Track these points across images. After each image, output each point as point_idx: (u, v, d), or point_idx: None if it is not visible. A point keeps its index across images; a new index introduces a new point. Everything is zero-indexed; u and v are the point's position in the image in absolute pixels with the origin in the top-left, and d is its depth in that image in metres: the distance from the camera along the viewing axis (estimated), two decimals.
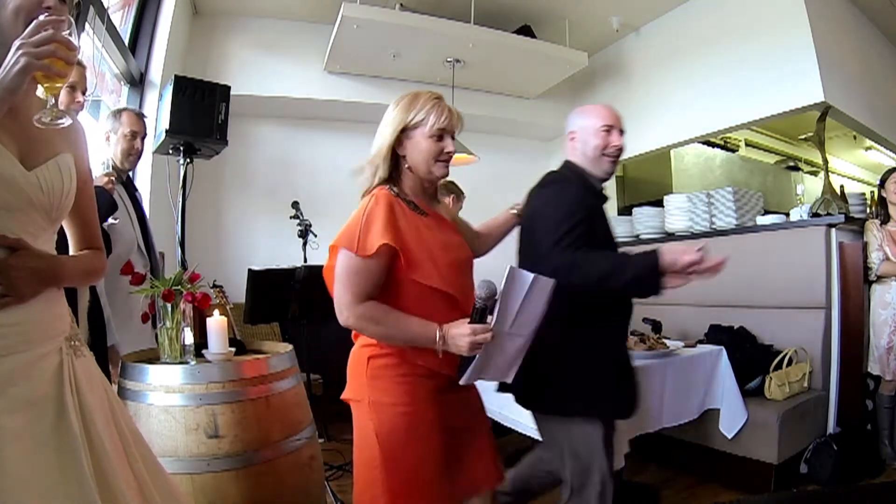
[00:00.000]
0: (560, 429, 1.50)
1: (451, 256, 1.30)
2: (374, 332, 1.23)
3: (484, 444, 1.37)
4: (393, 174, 1.30)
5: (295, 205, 3.04)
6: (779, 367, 2.52)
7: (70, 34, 0.83)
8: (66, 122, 0.86)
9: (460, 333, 1.15)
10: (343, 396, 1.32)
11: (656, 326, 2.72)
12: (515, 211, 1.60)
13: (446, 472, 1.26)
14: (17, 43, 0.78)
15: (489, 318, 1.17)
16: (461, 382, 1.22)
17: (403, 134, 1.28)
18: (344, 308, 1.20)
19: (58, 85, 0.84)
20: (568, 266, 1.35)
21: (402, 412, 1.23)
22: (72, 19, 0.86)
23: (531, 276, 1.17)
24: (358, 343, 1.31)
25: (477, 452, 1.34)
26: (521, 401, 1.57)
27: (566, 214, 1.43)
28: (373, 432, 1.23)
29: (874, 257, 2.65)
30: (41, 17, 0.81)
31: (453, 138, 1.30)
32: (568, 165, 1.65)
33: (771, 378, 2.47)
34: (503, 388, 1.58)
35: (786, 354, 2.53)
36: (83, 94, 1.71)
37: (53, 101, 0.85)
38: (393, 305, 1.21)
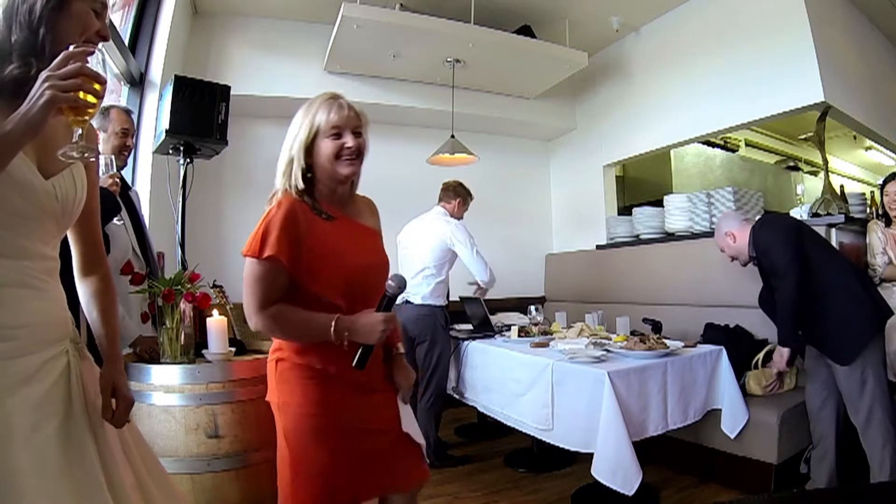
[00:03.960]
0: None
1: (357, 262, 1.27)
2: (282, 334, 1.23)
3: (403, 444, 1.34)
4: (304, 182, 1.27)
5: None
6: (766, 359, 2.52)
7: (100, 65, 0.82)
8: (94, 156, 0.86)
9: (371, 322, 1.17)
10: (266, 398, 1.32)
11: (656, 327, 2.72)
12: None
13: (358, 475, 1.24)
14: (43, 75, 0.76)
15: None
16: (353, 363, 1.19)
17: (312, 143, 1.27)
18: (252, 314, 1.20)
19: (85, 118, 0.82)
20: None
21: (307, 414, 1.22)
22: (102, 50, 0.86)
23: None
24: (270, 349, 1.31)
25: (395, 453, 1.31)
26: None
27: None
28: (282, 433, 1.25)
29: (878, 260, 2.63)
30: (70, 48, 0.79)
31: (355, 134, 1.27)
32: None
33: (748, 375, 2.49)
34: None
35: (769, 349, 2.52)
36: None
37: (80, 132, 0.82)
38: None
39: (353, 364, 1.18)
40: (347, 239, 1.28)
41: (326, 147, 1.25)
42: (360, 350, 1.19)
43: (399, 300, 2.23)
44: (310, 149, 1.27)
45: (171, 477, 1.06)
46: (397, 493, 1.34)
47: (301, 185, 1.26)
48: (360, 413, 1.26)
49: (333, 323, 1.16)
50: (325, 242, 1.23)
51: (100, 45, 0.91)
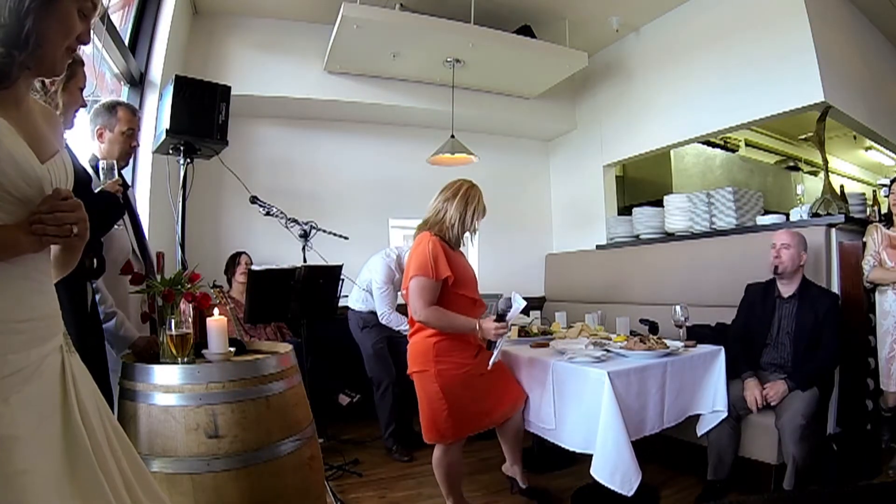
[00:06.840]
0: None
1: (471, 274, 2.19)
2: (437, 325, 2.03)
3: (505, 384, 2.24)
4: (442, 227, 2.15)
5: (254, 199, 2.92)
6: None
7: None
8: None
9: (491, 326, 1.99)
10: (411, 370, 2.12)
11: (653, 327, 2.71)
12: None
13: (485, 403, 2.14)
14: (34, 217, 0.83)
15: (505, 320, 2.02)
16: (489, 367, 2.05)
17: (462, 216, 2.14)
18: (419, 310, 2.01)
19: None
20: None
21: (456, 373, 2.05)
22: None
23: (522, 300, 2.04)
24: (422, 334, 2.08)
25: (502, 390, 2.21)
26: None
27: None
28: (439, 389, 2.03)
29: (866, 263, 2.63)
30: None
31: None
32: None
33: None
34: None
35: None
36: (81, 90, 1.69)
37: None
38: (444, 307, 2.04)
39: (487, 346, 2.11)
40: (464, 262, 2.19)
41: (471, 222, 2.16)
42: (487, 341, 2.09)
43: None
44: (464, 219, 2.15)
45: (152, 476, 1.05)
46: (503, 420, 2.22)
47: (449, 236, 2.14)
48: (478, 367, 2.09)
49: (478, 324, 2.02)
50: (459, 265, 2.10)
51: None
